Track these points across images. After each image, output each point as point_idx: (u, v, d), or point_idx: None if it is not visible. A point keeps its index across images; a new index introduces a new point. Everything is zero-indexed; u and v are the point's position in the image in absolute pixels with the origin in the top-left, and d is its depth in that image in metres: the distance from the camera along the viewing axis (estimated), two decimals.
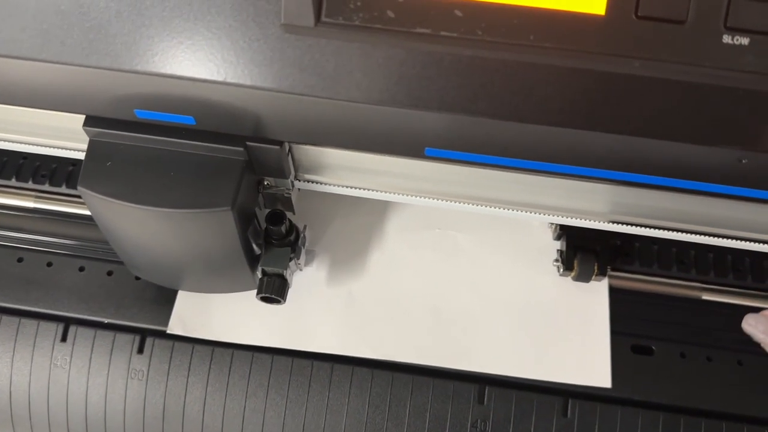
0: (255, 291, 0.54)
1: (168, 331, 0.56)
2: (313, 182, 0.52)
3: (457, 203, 0.51)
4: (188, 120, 0.44)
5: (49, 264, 0.60)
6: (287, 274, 0.53)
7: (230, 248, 0.49)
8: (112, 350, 0.57)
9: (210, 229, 0.47)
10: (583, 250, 0.58)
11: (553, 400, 0.56)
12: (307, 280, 0.59)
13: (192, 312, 0.57)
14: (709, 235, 0.52)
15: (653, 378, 0.56)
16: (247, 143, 0.45)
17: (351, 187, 0.52)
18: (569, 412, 0.55)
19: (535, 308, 0.59)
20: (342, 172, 0.51)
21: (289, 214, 0.53)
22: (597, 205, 0.51)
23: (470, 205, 0.51)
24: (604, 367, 0.56)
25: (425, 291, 0.59)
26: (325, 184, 0.52)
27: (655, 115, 0.39)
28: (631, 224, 0.51)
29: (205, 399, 0.56)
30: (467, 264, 0.60)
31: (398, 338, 0.57)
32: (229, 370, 0.56)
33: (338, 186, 0.52)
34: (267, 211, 0.53)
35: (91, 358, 0.57)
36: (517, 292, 0.59)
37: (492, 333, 0.57)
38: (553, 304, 0.59)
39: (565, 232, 0.59)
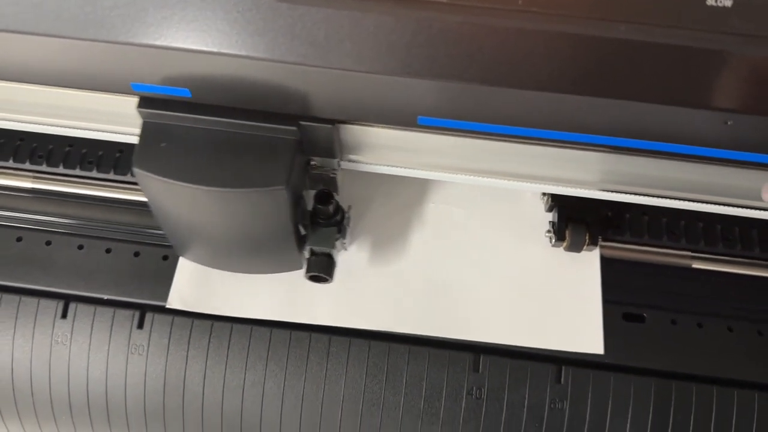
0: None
1: (167, 306, 0.57)
2: (357, 162, 0.53)
3: (454, 174, 0.52)
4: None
5: (48, 243, 0.61)
6: (334, 253, 0.54)
7: (281, 227, 0.50)
8: (112, 326, 0.58)
9: (263, 208, 0.48)
10: (574, 221, 0.59)
11: (547, 367, 0.56)
12: None
13: (191, 287, 0.58)
14: (698, 201, 0.52)
15: (645, 345, 0.57)
16: (300, 122, 0.45)
17: (391, 166, 0.52)
18: (563, 378, 0.56)
19: (528, 278, 0.59)
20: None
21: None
22: (588, 173, 0.52)
23: (465, 176, 0.52)
24: (596, 334, 0.57)
25: (420, 263, 0.60)
26: (367, 163, 0.53)
27: (641, 79, 0.39)
28: (622, 192, 0.52)
29: (205, 372, 0.57)
30: (461, 237, 0.61)
31: (394, 310, 0.58)
32: (229, 344, 0.57)
33: (379, 165, 0.53)
34: (312, 192, 0.54)
35: (91, 334, 0.58)
36: (511, 263, 0.60)
37: (486, 303, 0.58)
38: (545, 273, 0.60)
39: (557, 203, 0.60)
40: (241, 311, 0.57)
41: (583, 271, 0.59)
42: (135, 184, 0.62)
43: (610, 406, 0.56)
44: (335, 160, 0.51)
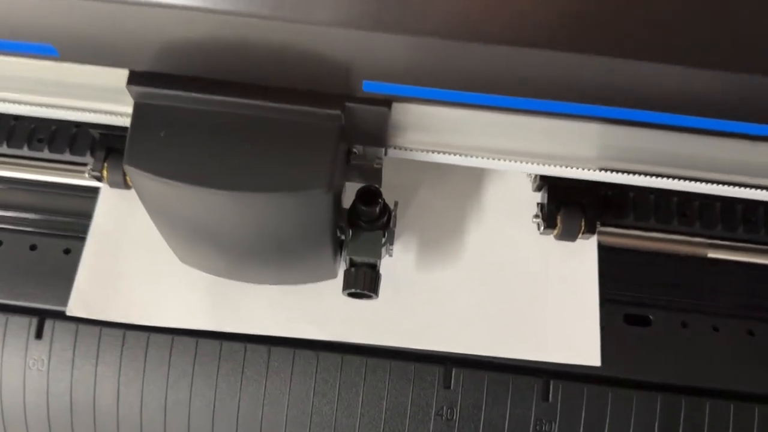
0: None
1: (68, 313, 0.47)
2: (407, 149, 0.42)
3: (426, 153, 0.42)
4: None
5: None
6: (379, 263, 0.44)
7: (317, 234, 0.40)
8: (5, 336, 0.48)
9: (297, 213, 0.38)
10: (567, 204, 0.48)
11: (532, 381, 0.48)
12: None
13: (96, 289, 0.48)
14: (715, 182, 0.42)
15: (650, 353, 0.49)
16: (347, 104, 0.35)
17: (449, 153, 0.42)
18: (551, 395, 0.48)
19: (510, 274, 0.50)
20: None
21: None
22: (584, 149, 0.41)
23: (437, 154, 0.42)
24: (592, 343, 0.48)
25: None
26: (420, 150, 0.42)
27: (656, 32, 0.29)
28: (624, 171, 0.42)
29: (118, 391, 0.48)
30: (429, 221, 0.51)
31: (347, 314, 0.48)
32: (145, 357, 0.48)
33: (431, 152, 0.42)
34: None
35: None
36: (489, 255, 0.50)
37: (459, 305, 0.49)
38: (531, 268, 0.50)
39: (546, 182, 0.50)
40: (159, 319, 0.48)
41: (577, 266, 0.50)
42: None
43: (607, 427, 0.47)
44: (382, 148, 0.40)
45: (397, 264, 0.50)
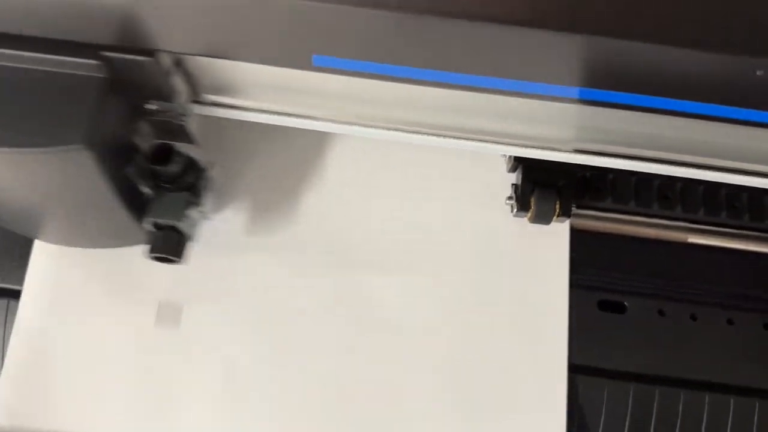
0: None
1: None
2: (221, 106, 0.40)
3: (388, 131, 0.39)
4: None
5: None
6: (184, 226, 0.41)
7: (100, 196, 0.38)
8: None
9: (63, 172, 0.35)
10: (542, 185, 0.46)
11: None
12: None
13: (21, 395, 0.44)
14: (700, 167, 0.40)
15: (624, 341, 0.47)
16: (102, 53, 0.33)
17: (275, 114, 0.40)
18: None
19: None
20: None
21: (189, 148, 0.41)
22: (558, 130, 0.39)
23: (403, 133, 0.39)
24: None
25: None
26: (239, 108, 0.40)
27: (648, 13, 0.27)
28: (601, 154, 0.40)
29: None
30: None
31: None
32: None
33: (258, 112, 0.40)
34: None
35: None
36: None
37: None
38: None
39: (520, 162, 0.47)
40: (90, 426, 0.44)
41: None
42: None
43: (576, 417, 0.45)
44: (178, 104, 0.38)
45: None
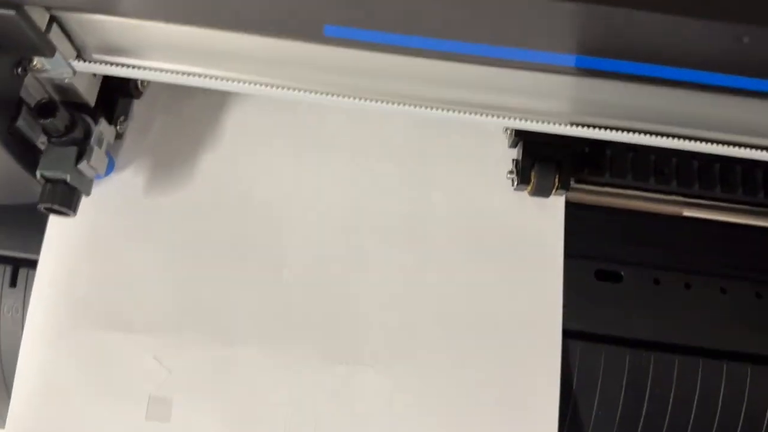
0: None
1: None
2: (113, 64, 0.41)
3: (383, 103, 0.41)
4: None
5: None
6: (75, 180, 0.43)
7: None
8: None
9: None
10: (541, 159, 0.48)
11: None
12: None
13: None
14: (693, 139, 0.42)
15: (620, 309, 0.49)
16: None
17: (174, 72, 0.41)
18: None
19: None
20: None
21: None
22: (555, 102, 0.41)
23: (400, 105, 0.41)
24: None
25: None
26: (132, 67, 0.41)
27: None
28: (597, 126, 0.42)
29: None
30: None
31: None
32: None
33: (155, 71, 0.41)
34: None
35: None
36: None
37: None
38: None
39: (522, 138, 0.49)
40: None
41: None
42: None
43: (575, 380, 0.47)
44: (55, 60, 0.39)
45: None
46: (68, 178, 0.43)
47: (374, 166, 0.50)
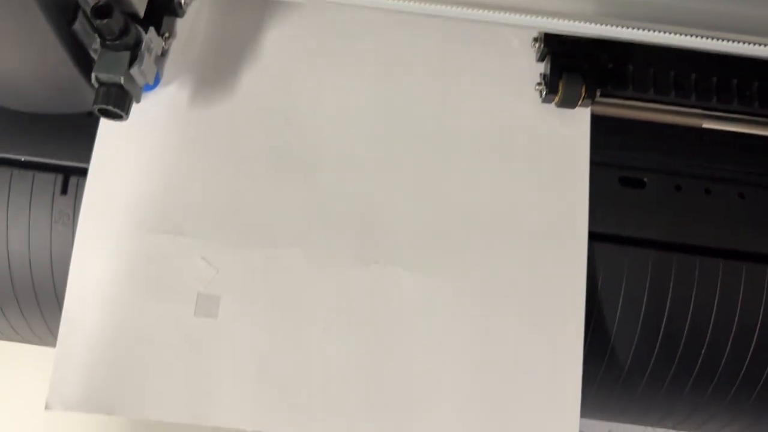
0: None
1: (45, 410, 0.47)
2: None
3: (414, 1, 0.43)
4: None
5: None
6: (128, 85, 0.45)
7: (48, 47, 0.41)
8: (32, 192, 0.50)
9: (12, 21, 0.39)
10: (569, 70, 0.50)
11: None
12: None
13: (74, 382, 0.48)
14: (717, 39, 0.44)
15: (644, 212, 0.50)
16: None
17: None
18: None
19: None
20: None
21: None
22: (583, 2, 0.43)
23: (432, 4, 0.43)
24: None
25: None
26: None
27: None
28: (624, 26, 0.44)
29: None
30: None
31: None
32: None
33: None
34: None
35: (9, 201, 0.50)
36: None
37: None
38: None
39: (550, 50, 0.51)
40: (141, 411, 0.48)
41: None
42: None
43: (600, 281, 0.49)
44: None
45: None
46: (122, 80, 0.45)
47: (402, 78, 0.52)
